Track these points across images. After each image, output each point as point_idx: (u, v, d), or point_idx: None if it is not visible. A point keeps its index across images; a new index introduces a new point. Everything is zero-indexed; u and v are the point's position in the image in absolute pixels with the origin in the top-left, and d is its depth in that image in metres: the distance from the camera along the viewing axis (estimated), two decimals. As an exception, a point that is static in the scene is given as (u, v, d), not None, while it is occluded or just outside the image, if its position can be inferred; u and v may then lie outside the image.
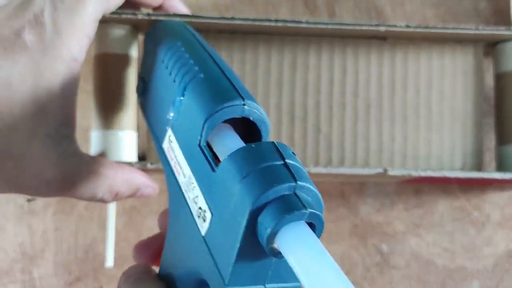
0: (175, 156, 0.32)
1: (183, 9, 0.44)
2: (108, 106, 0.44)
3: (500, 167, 0.48)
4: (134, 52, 0.46)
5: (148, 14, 0.42)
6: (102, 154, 0.44)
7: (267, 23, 0.43)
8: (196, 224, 0.29)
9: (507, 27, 0.45)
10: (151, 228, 0.53)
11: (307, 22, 0.43)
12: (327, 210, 0.54)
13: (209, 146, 0.30)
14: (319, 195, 0.25)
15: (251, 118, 0.30)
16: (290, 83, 0.47)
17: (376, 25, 0.44)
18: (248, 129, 0.32)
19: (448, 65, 0.48)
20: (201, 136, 0.29)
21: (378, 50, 0.48)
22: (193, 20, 0.43)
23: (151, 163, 0.41)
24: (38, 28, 0.35)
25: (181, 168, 0.31)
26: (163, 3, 0.44)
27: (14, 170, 0.35)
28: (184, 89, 0.31)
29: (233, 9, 0.54)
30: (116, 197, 0.41)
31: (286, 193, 0.25)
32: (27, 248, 0.53)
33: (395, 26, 0.44)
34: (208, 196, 0.28)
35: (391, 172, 0.42)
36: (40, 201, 0.53)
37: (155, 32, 0.38)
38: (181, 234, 0.31)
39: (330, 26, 0.43)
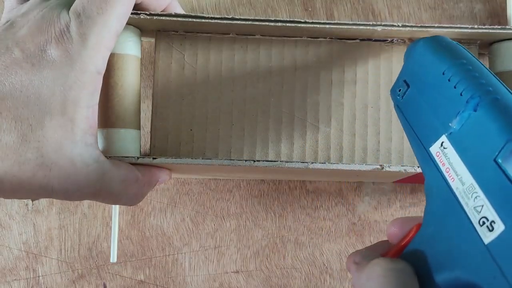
0: (450, 163, 0.33)
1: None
2: (112, 105, 0.44)
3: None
4: (137, 52, 0.46)
5: (150, 14, 0.43)
6: (106, 152, 0.44)
7: (267, 23, 0.44)
8: (476, 231, 0.30)
9: (502, 26, 0.46)
10: (154, 226, 0.54)
11: (305, 22, 0.44)
12: (325, 208, 0.55)
13: None
14: None
15: None
16: (290, 83, 0.48)
17: (373, 25, 0.44)
18: None
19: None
20: (499, 152, 0.30)
21: (375, 51, 0.49)
22: (196, 20, 0.44)
23: (154, 158, 0.42)
24: (64, 43, 0.37)
25: (457, 175, 0.32)
26: (165, 8, 0.45)
27: (45, 179, 0.37)
28: (477, 104, 0.32)
29: (234, 12, 0.55)
30: (140, 199, 0.44)
31: None
32: (31, 246, 0.54)
33: (392, 25, 0.44)
34: (501, 209, 0.29)
35: (387, 169, 0.43)
36: (44, 200, 0.54)
37: (430, 44, 0.39)
38: (445, 234, 0.32)
39: (328, 26, 0.44)
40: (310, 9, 0.55)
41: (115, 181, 0.41)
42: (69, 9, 0.38)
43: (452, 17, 0.55)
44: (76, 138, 0.38)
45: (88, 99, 0.38)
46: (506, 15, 0.53)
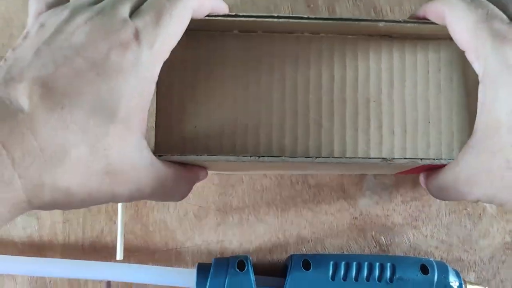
0: None
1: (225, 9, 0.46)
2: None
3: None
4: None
5: None
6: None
7: (269, 19, 0.44)
8: None
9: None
10: (157, 220, 0.54)
11: (308, 18, 0.44)
12: (327, 202, 0.55)
13: None
14: None
15: None
16: (292, 80, 0.48)
17: (375, 21, 0.45)
18: None
19: (444, 58, 0.50)
20: None
21: (376, 45, 0.49)
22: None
23: (160, 155, 0.42)
24: (130, 50, 0.36)
25: None
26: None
27: (111, 186, 0.37)
28: None
29: (237, 8, 0.55)
30: (187, 193, 0.45)
31: None
32: (35, 240, 0.54)
33: (394, 21, 0.45)
34: None
35: (391, 162, 0.43)
36: (48, 195, 0.54)
37: None
38: None
39: (330, 22, 0.45)
40: (312, 6, 0.56)
41: (169, 179, 0.41)
42: (129, 14, 0.38)
43: (453, 13, 0.56)
44: (135, 142, 0.37)
45: (146, 106, 0.38)
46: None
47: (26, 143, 0.33)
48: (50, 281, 0.54)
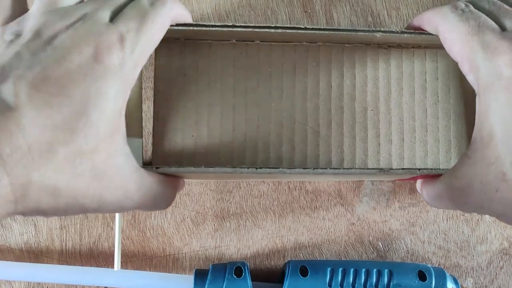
0: None
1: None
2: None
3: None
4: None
5: None
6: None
7: (267, 30, 0.44)
8: None
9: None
10: (154, 226, 0.54)
11: (306, 28, 0.44)
12: (325, 208, 0.55)
13: None
14: None
15: None
16: (290, 89, 0.48)
17: (372, 31, 0.45)
18: None
19: (442, 67, 0.49)
20: None
21: (374, 54, 0.49)
22: (196, 28, 0.43)
23: (157, 167, 0.42)
24: (116, 54, 0.36)
25: None
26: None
27: (98, 190, 0.36)
28: None
29: (234, 14, 0.55)
30: (171, 201, 0.45)
31: None
32: (32, 246, 0.54)
33: (391, 32, 0.45)
34: None
35: (388, 173, 0.43)
36: (45, 201, 0.54)
37: None
38: None
39: (327, 32, 0.44)
40: (309, 11, 0.56)
41: (154, 187, 0.41)
42: (109, 19, 0.38)
43: (451, 18, 0.56)
44: (121, 147, 0.37)
45: (124, 110, 0.38)
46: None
47: (14, 141, 0.32)
48: (47, 287, 0.54)
